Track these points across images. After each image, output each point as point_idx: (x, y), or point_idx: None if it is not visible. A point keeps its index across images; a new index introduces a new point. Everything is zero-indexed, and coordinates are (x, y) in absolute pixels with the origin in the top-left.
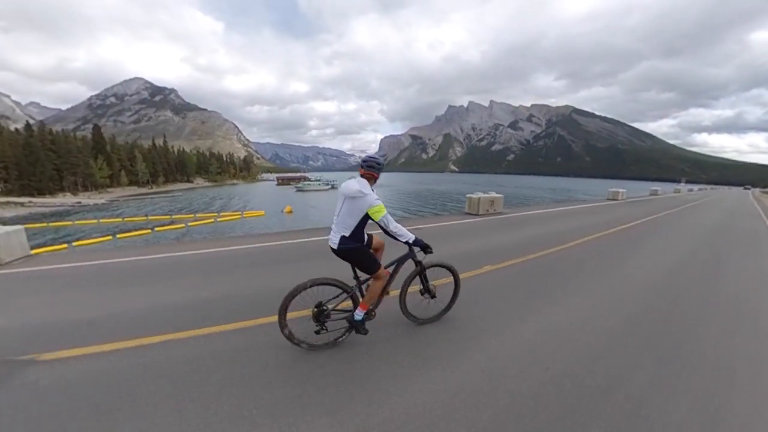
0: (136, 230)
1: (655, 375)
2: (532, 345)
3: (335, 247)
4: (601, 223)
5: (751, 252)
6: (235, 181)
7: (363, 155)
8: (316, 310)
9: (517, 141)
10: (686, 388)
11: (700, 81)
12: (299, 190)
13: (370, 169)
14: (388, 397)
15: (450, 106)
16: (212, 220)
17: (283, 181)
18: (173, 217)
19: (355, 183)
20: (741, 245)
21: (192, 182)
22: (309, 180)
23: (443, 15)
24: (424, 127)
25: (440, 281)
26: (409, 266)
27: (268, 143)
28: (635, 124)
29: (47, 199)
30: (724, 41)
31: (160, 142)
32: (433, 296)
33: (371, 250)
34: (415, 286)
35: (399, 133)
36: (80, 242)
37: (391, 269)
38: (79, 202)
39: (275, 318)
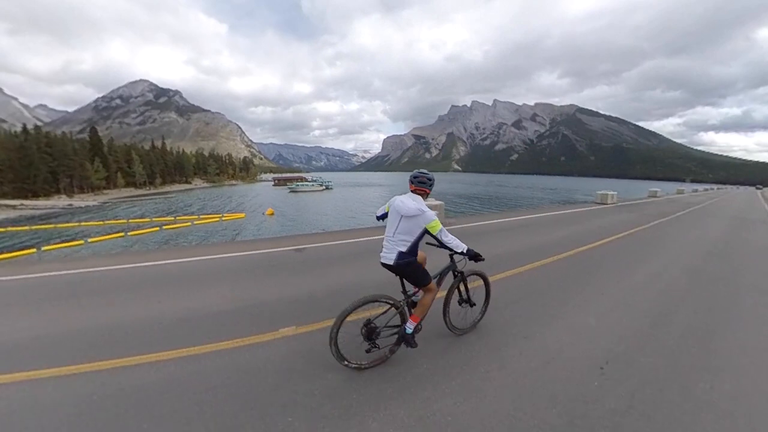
0: (109, 234)
1: None
2: None
3: (391, 263)
4: (558, 241)
5: None
6: (234, 182)
7: (366, 155)
8: (365, 328)
9: (521, 140)
10: None
11: (707, 79)
12: (292, 191)
13: (422, 185)
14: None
15: (453, 106)
16: (189, 223)
17: (279, 182)
18: (153, 219)
19: (411, 201)
20: (759, 288)
21: (190, 183)
22: (306, 180)
23: (445, 15)
24: (427, 126)
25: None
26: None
27: (271, 144)
28: (640, 123)
29: (39, 202)
30: (731, 38)
31: (165, 143)
32: (472, 305)
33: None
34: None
35: (402, 132)
36: (48, 247)
37: (435, 281)
38: (71, 204)
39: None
